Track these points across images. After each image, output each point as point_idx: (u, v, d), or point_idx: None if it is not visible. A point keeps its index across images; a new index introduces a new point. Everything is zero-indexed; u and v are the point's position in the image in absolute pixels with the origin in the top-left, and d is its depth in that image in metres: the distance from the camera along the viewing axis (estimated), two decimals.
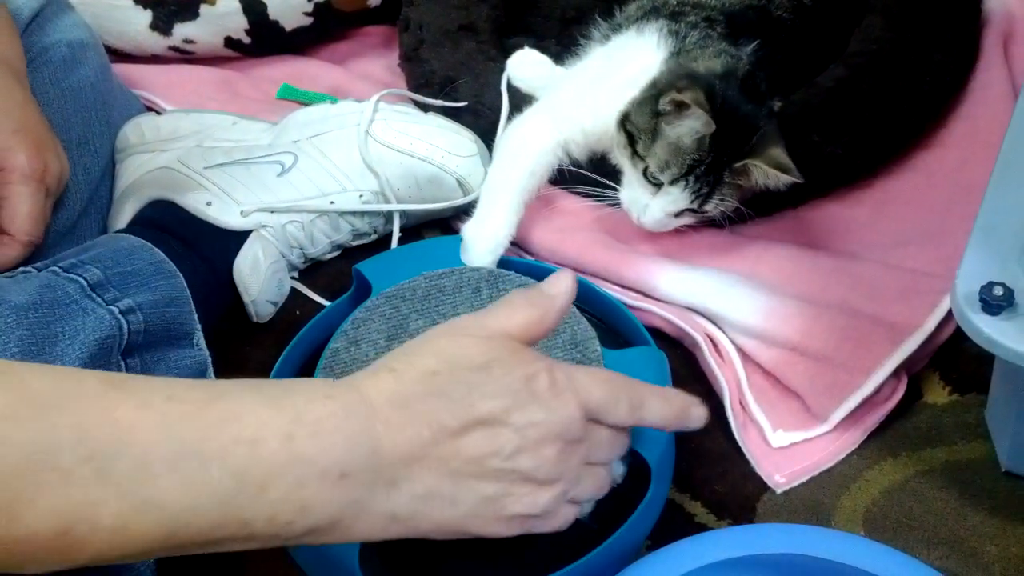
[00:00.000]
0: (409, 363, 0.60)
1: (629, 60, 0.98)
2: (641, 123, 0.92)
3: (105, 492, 0.51)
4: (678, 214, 0.93)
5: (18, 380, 0.52)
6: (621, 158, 0.94)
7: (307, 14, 1.18)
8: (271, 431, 0.54)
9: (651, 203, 0.93)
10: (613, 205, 0.97)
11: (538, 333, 0.65)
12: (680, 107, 0.89)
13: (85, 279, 0.78)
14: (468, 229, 0.93)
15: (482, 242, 0.92)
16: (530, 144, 0.98)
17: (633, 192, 0.94)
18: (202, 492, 0.53)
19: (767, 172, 0.89)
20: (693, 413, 0.68)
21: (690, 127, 0.89)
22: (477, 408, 0.59)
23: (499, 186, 0.97)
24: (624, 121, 0.93)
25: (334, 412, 0.56)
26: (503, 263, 0.92)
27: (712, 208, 0.92)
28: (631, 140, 0.92)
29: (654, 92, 0.92)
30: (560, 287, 0.66)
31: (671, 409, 0.67)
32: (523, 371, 0.61)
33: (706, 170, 0.90)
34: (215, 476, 0.53)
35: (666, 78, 0.92)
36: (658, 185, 0.92)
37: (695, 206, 0.92)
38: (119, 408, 0.52)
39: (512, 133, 1.00)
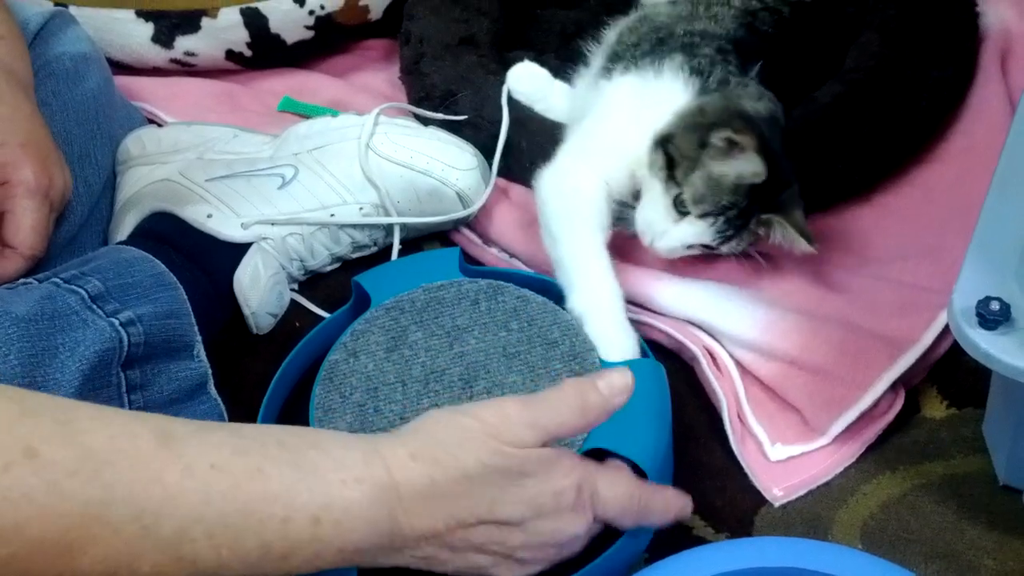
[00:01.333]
0: (451, 457, 0.63)
1: (656, 104, 0.94)
2: (685, 149, 0.89)
3: (146, 546, 0.56)
4: (692, 246, 0.92)
5: (79, 433, 0.56)
6: (651, 179, 0.91)
7: (308, 27, 1.18)
8: (301, 513, 0.60)
9: (671, 230, 0.91)
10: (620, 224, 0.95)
11: (581, 432, 0.71)
12: (732, 146, 0.87)
13: (86, 291, 0.78)
14: (593, 325, 0.86)
15: (613, 333, 0.86)
16: (583, 194, 0.92)
17: (654, 215, 0.91)
18: (233, 556, 0.58)
19: (787, 233, 0.89)
20: (686, 511, 0.75)
21: (738, 169, 0.87)
22: (497, 513, 0.64)
23: (582, 258, 0.90)
24: (665, 142, 0.90)
25: (360, 502, 0.61)
26: (503, 276, 0.92)
27: (727, 250, 0.92)
28: (670, 163, 0.90)
29: (703, 121, 0.89)
30: (617, 385, 0.69)
31: (667, 516, 0.73)
32: (553, 487, 0.66)
33: (738, 215, 0.89)
34: (246, 545, 0.58)
35: (716, 109, 0.90)
36: (684, 214, 0.90)
37: (714, 244, 0.91)
38: (166, 471, 0.57)
39: (554, 191, 0.93)
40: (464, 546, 0.64)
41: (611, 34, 1.06)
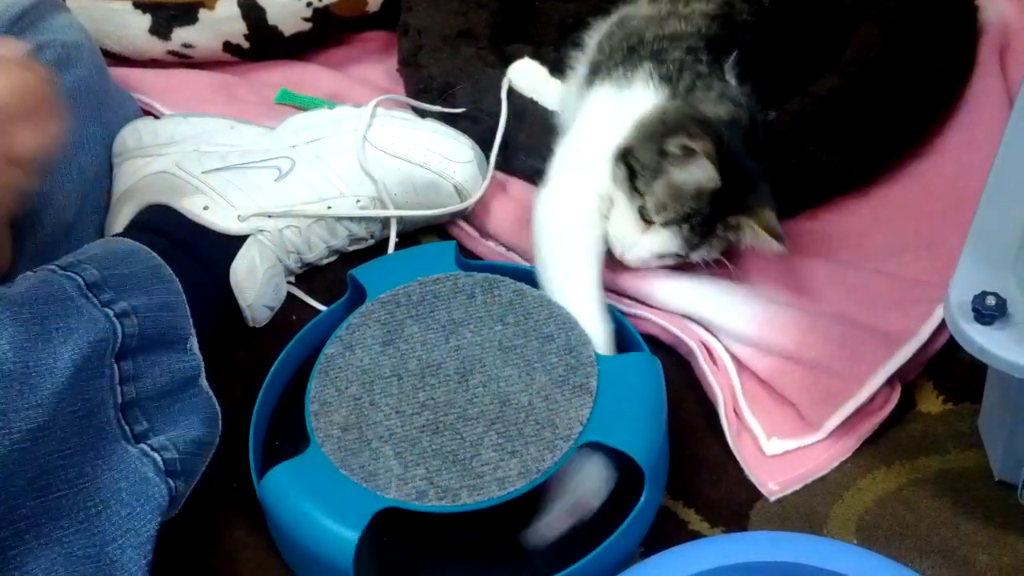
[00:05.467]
0: None
1: (628, 115, 0.94)
2: (645, 159, 0.89)
3: None
4: (662, 255, 0.92)
5: None
6: (616, 192, 0.92)
7: (306, 19, 1.18)
8: None
9: (640, 241, 0.91)
10: None
11: None
12: (688, 153, 0.87)
13: (82, 277, 0.77)
14: None
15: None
16: (576, 222, 0.93)
17: (623, 226, 0.91)
18: None
19: (758, 234, 0.88)
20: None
21: (695, 176, 0.87)
22: None
23: (573, 284, 0.89)
24: (625, 155, 0.91)
25: None
26: (499, 269, 0.92)
27: (697, 257, 0.92)
28: (631, 174, 0.90)
29: (661, 129, 0.89)
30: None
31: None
32: None
33: (702, 221, 0.89)
34: None
35: (674, 117, 0.90)
36: (650, 223, 0.90)
37: (683, 252, 0.91)
38: None
39: (547, 218, 0.93)
40: None
41: (591, 42, 1.06)
